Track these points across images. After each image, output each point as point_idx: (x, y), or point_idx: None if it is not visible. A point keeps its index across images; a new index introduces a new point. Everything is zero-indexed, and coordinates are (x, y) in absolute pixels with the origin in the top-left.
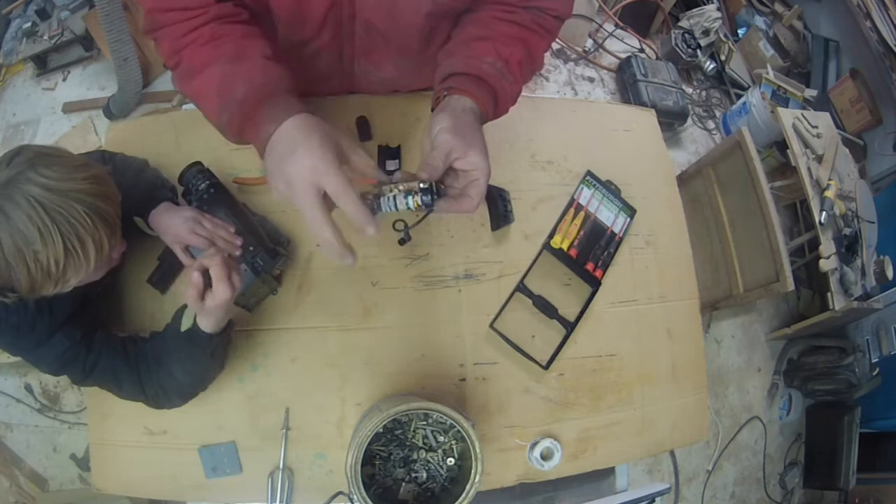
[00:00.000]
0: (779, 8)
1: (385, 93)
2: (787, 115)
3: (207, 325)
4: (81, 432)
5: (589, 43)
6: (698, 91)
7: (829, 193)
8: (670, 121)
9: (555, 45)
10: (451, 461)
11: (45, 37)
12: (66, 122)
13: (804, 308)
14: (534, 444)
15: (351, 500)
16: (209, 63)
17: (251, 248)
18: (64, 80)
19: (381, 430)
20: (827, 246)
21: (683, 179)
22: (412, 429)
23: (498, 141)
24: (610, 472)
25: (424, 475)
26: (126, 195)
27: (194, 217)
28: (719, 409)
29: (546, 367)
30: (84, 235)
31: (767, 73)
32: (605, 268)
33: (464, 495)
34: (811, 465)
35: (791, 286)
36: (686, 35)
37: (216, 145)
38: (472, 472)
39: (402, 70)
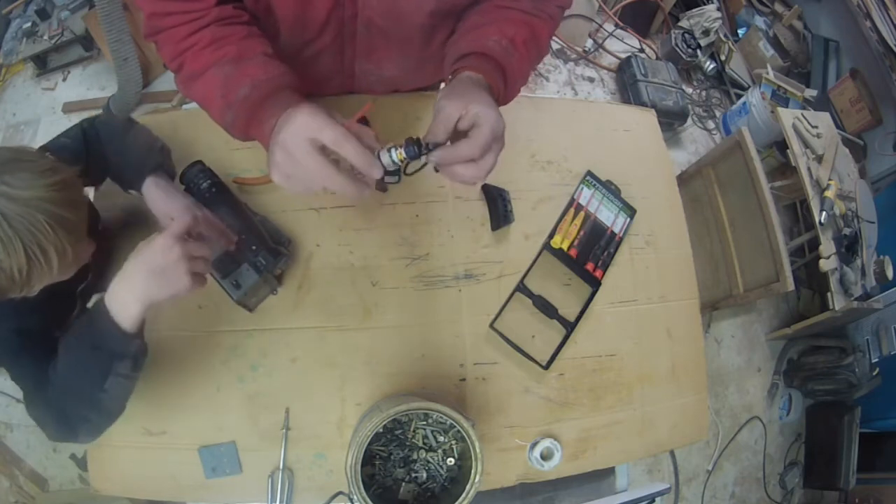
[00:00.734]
0: (779, 8)
1: (385, 92)
2: (787, 115)
3: (136, 296)
4: None
5: (589, 43)
6: (698, 91)
7: (829, 193)
8: (670, 121)
9: (555, 45)
10: (451, 461)
11: (45, 37)
12: (66, 122)
13: (804, 308)
14: (534, 444)
15: (351, 500)
16: (211, 65)
17: (253, 248)
18: (64, 80)
19: (381, 430)
20: (827, 246)
21: (683, 179)
22: (412, 429)
23: None
24: (610, 472)
25: (424, 475)
26: (115, 166)
27: (194, 207)
28: (719, 409)
29: (546, 367)
30: (45, 244)
31: (767, 73)
32: (605, 268)
33: (464, 495)
34: (811, 465)
35: (791, 286)
36: (686, 35)
37: (216, 145)
38: (472, 472)
39: (403, 69)
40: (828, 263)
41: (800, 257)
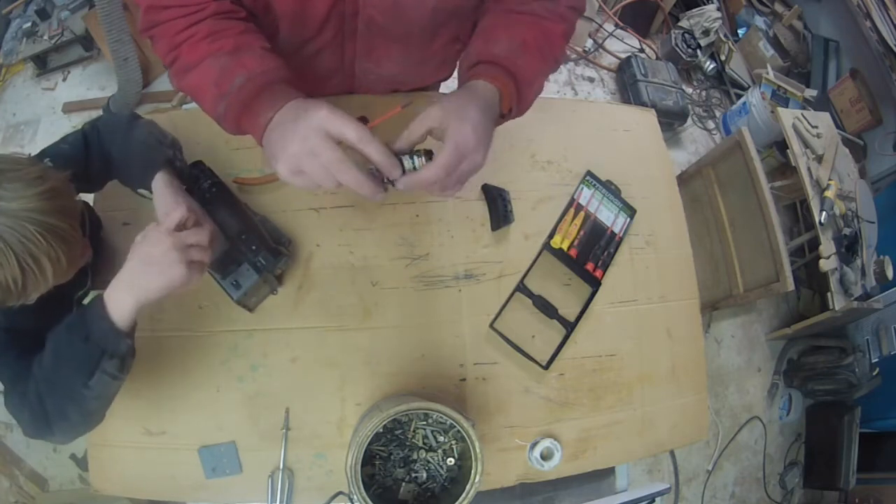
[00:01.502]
0: (779, 8)
1: (385, 92)
2: (787, 115)
3: (132, 293)
4: None
5: (589, 43)
6: (698, 91)
7: (829, 193)
8: (670, 121)
9: None
10: (451, 461)
11: (45, 37)
12: (66, 122)
13: (804, 308)
14: (534, 444)
15: (351, 500)
16: (206, 57)
17: (253, 248)
18: (64, 80)
19: (381, 430)
20: (827, 246)
21: (683, 179)
22: (412, 429)
23: (498, 141)
24: (610, 472)
25: (424, 475)
26: (120, 165)
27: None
28: (719, 409)
29: (546, 367)
30: (38, 254)
31: (767, 73)
32: (605, 268)
33: (464, 495)
34: (811, 465)
35: (791, 286)
36: (686, 35)
37: (216, 145)
38: (472, 472)
39: (403, 68)
40: (828, 263)
41: (800, 257)
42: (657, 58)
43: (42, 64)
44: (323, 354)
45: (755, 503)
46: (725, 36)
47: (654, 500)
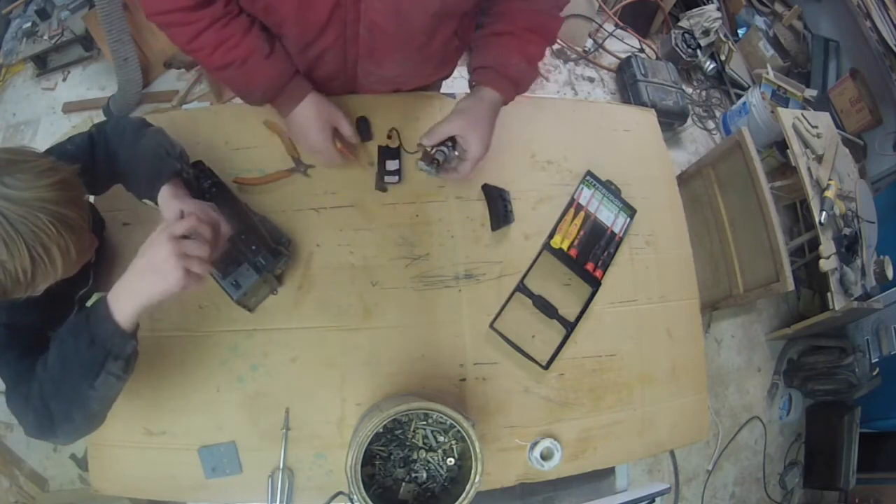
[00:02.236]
0: (779, 8)
1: (386, 91)
2: (787, 115)
3: (136, 295)
4: None
5: (589, 43)
6: (698, 91)
7: (829, 193)
8: (670, 121)
9: (555, 45)
10: (451, 461)
11: (45, 37)
12: (66, 122)
13: (804, 308)
14: (534, 444)
15: (351, 500)
16: (223, 68)
17: (253, 248)
18: (64, 80)
19: (381, 430)
20: (827, 246)
21: (683, 179)
22: (412, 429)
23: (498, 141)
24: (610, 472)
25: (424, 475)
26: (127, 174)
27: (208, 210)
28: (719, 409)
29: (546, 367)
30: (49, 244)
31: (767, 73)
32: (605, 268)
33: (464, 495)
34: (811, 465)
35: (791, 286)
36: (686, 35)
37: (216, 145)
38: (472, 472)
39: (404, 68)
40: (828, 263)
41: (800, 257)
42: (657, 58)
43: (42, 64)
44: (323, 354)
45: (755, 503)
46: (725, 36)
47: (654, 500)
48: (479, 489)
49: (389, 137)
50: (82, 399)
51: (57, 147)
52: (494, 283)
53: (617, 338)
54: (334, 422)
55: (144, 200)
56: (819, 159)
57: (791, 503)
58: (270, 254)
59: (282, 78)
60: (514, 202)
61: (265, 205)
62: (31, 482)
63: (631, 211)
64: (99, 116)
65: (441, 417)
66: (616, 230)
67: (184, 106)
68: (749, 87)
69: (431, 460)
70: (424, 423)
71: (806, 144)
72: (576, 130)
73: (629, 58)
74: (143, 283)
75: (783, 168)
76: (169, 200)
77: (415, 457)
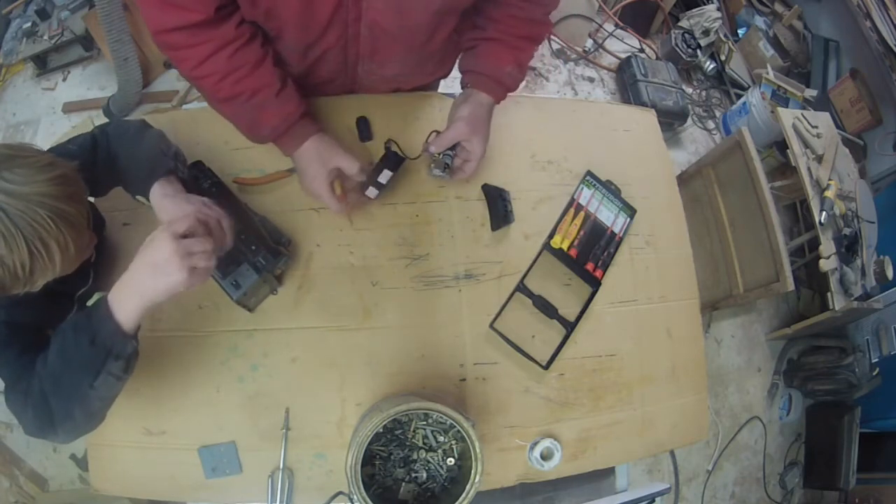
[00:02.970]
0: (779, 8)
1: (386, 91)
2: (787, 115)
3: (138, 294)
4: None
5: (589, 43)
6: (698, 91)
7: (829, 193)
8: (670, 121)
9: (555, 45)
10: (451, 461)
11: (45, 37)
12: (66, 122)
13: (804, 308)
14: (534, 444)
15: (351, 500)
16: (231, 99)
17: (253, 248)
18: (64, 80)
19: (381, 430)
20: (827, 246)
21: (683, 179)
22: (412, 429)
23: (498, 141)
24: (610, 472)
25: (424, 475)
26: (124, 172)
27: (204, 207)
28: (719, 409)
29: (546, 367)
30: (47, 239)
31: (767, 73)
32: (605, 268)
33: (464, 495)
34: (811, 465)
35: (791, 286)
36: (686, 35)
37: (216, 145)
38: (472, 472)
39: (405, 67)
40: (828, 263)
41: (800, 257)
42: (657, 58)
43: (42, 64)
44: (323, 354)
45: (755, 503)
46: (725, 36)
47: (654, 500)
48: (479, 489)
49: (387, 147)
50: (83, 398)
51: (59, 147)
52: (494, 283)
53: (617, 338)
54: (334, 422)
55: (137, 197)
56: (819, 159)
57: (791, 503)
58: (270, 254)
59: (291, 117)
60: (514, 202)
61: (265, 205)
62: (31, 482)
63: (631, 211)
64: (99, 116)
65: (441, 417)
66: (616, 230)
67: (184, 106)
68: (749, 87)
69: (431, 460)
70: (424, 423)
71: (806, 144)
72: (576, 130)
73: (629, 58)
74: (146, 283)
75: (783, 168)
76: (161, 199)
77: (415, 457)
